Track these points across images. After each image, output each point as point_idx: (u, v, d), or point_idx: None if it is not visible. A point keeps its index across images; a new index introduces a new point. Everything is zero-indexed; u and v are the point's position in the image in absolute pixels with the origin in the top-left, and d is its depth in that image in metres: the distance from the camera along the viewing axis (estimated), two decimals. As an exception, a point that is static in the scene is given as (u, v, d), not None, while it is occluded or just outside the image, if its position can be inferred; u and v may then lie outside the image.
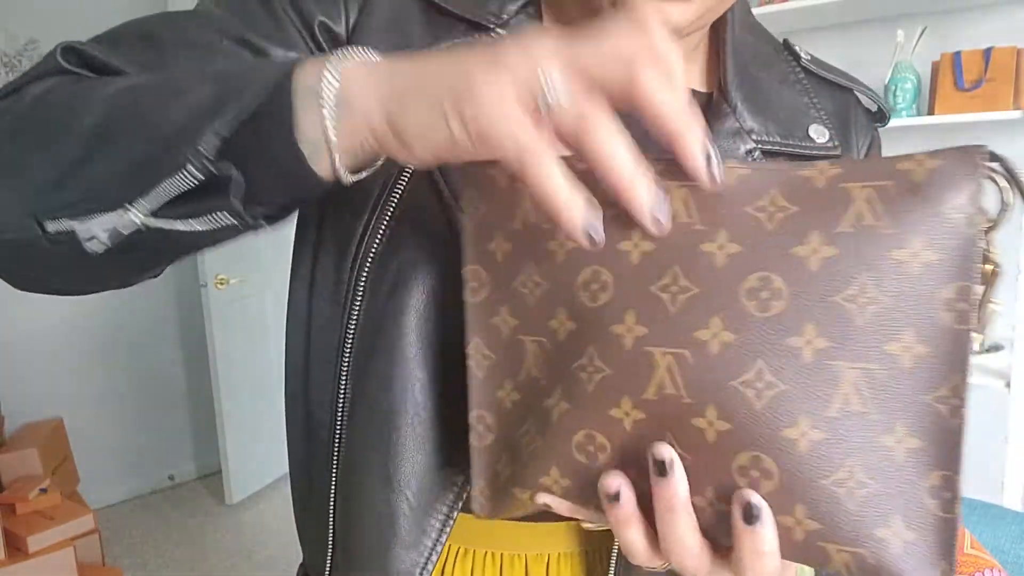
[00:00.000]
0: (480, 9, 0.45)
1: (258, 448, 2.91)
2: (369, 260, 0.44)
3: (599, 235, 0.29)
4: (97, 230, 0.33)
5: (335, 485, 0.47)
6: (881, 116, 0.56)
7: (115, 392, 2.95)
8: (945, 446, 0.28)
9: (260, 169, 0.32)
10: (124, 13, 2.40)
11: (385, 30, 0.45)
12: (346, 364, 0.45)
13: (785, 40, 0.55)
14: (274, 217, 0.35)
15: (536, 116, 0.28)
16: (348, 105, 0.30)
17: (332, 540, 0.48)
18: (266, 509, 2.85)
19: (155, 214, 0.32)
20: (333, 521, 0.48)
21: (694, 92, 0.50)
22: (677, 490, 0.31)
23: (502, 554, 0.48)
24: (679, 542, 0.32)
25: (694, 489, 0.32)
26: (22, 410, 2.68)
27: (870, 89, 0.55)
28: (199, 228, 0.32)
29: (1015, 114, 1.41)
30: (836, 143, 0.50)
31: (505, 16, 0.45)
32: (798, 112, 0.50)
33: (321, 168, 0.32)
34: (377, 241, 0.44)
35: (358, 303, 0.44)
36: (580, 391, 0.33)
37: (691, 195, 0.31)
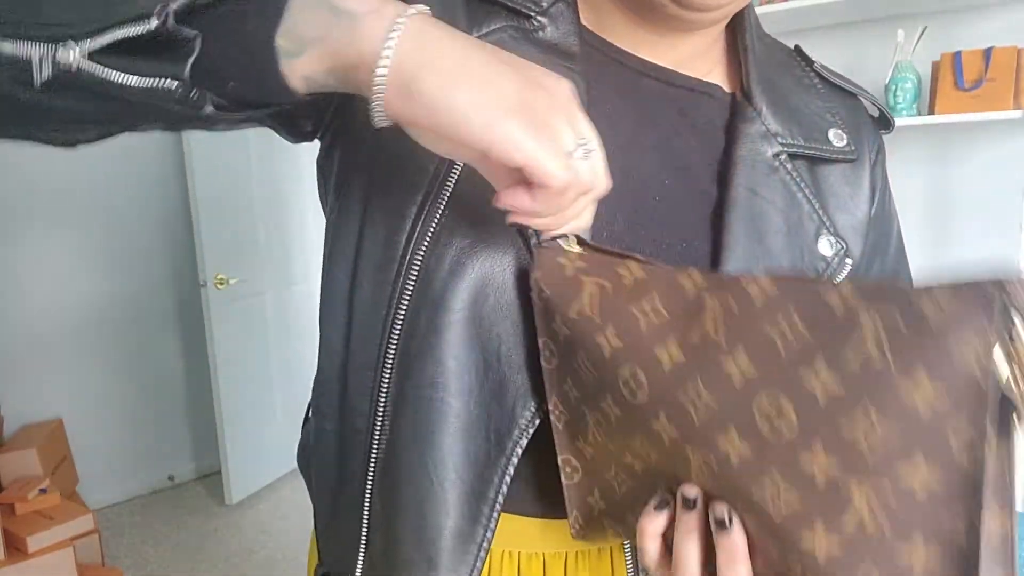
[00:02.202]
0: None
1: (258, 448, 2.91)
2: (427, 239, 0.42)
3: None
4: (34, 57, 0.30)
5: (372, 480, 0.46)
6: (885, 123, 0.56)
7: (115, 392, 2.95)
8: (966, 563, 0.28)
9: (221, 47, 0.32)
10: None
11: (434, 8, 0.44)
12: (393, 347, 0.44)
13: (796, 46, 0.55)
14: (222, 108, 0.33)
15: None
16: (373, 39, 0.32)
17: (365, 538, 0.47)
18: (266, 509, 2.85)
19: (95, 58, 0.30)
20: (368, 518, 0.46)
21: (719, 89, 0.50)
22: (736, 542, 0.33)
23: (519, 552, 0.48)
24: None
25: (753, 555, 0.34)
26: (22, 411, 2.68)
27: (873, 96, 0.55)
28: (136, 85, 0.31)
29: (1015, 114, 1.41)
30: (852, 147, 0.50)
31: (545, 4, 0.45)
32: (816, 116, 0.50)
33: (291, 72, 0.32)
34: (436, 220, 0.42)
35: (411, 283, 0.43)
36: (649, 458, 0.37)
37: (721, 312, 0.33)
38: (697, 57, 0.49)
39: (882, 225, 0.54)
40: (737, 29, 0.51)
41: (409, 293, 0.43)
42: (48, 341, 2.78)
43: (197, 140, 2.67)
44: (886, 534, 0.29)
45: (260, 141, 2.79)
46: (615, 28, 0.48)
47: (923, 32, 1.58)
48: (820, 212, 0.48)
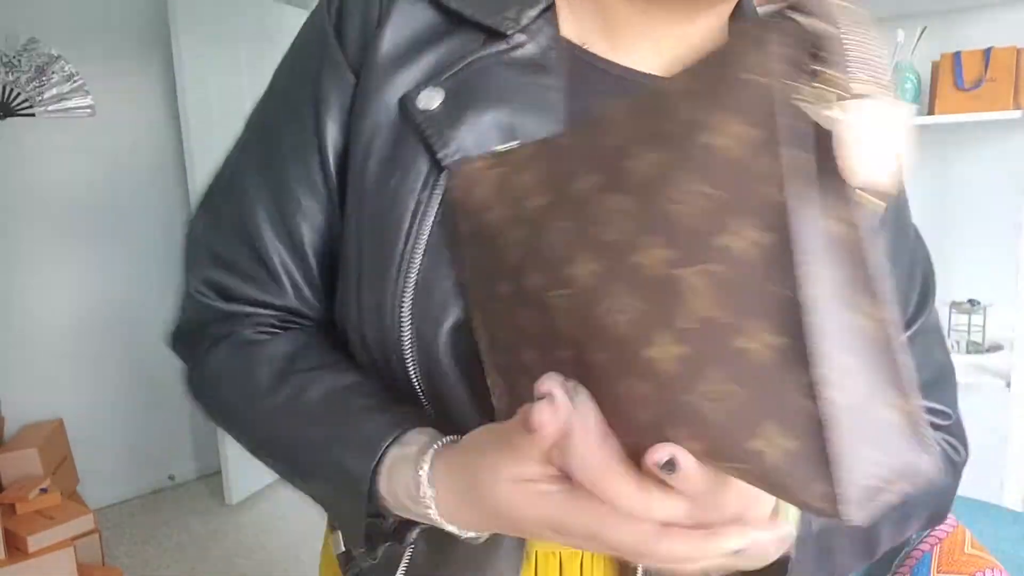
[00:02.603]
0: (498, 16, 0.45)
1: (258, 448, 2.91)
2: (412, 286, 0.43)
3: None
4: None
5: None
6: None
7: (115, 392, 2.95)
8: (809, 340, 0.25)
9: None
10: (124, 14, 2.40)
11: (407, 49, 0.45)
12: (417, 387, 0.45)
13: None
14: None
15: None
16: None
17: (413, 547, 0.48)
18: (266, 509, 2.85)
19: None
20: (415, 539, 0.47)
21: None
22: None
23: (536, 551, 0.48)
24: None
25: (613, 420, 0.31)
26: (22, 411, 2.68)
27: None
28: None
29: (1015, 114, 1.41)
30: None
31: (524, 21, 0.45)
32: None
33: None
34: (415, 269, 0.43)
35: (407, 332, 0.43)
36: (539, 340, 0.35)
37: (586, 152, 0.32)
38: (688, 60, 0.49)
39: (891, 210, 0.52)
40: (740, 20, 0.51)
41: (410, 352, 0.44)
42: (49, 341, 2.78)
43: (197, 141, 2.67)
44: (723, 323, 0.26)
45: (260, 141, 2.80)
46: (615, 28, 0.48)
47: (923, 32, 1.58)
48: None
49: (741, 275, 0.26)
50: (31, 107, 2.69)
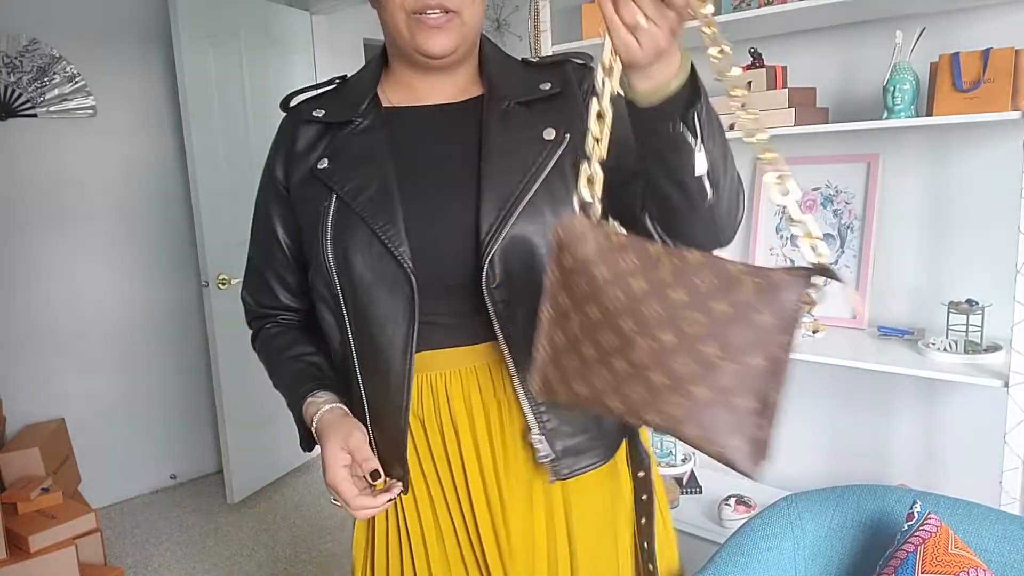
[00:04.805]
0: (346, 113, 0.86)
1: (259, 447, 2.92)
2: (329, 241, 0.83)
3: None
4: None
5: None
6: (587, 63, 0.90)
7: (117, 392, 2.96)
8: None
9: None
10: (126, 15, 2.40)
11: (309, 147, 0.87)
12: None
13: (524, 58, 0.92)
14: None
15: None
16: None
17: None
18: (267, 508, 2.85)
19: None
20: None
21: (471, 101, 0.87)
22: None
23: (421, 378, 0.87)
24: None
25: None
26: (24, 410, 2.70)
27: (578, 53, 0.90)
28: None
29: (1013, 115, 1.41)
30: (558, 89, 0.84)
31: (360, 110, 0.86)
32: (530, 82, 0.86)
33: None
34: (328, 235, 0.83)
35: (332, 266, 0.84)
36: (602, 346, 0.60)
37: (670, 264, 0.56)
38: (466, 86, 0.88)
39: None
40: (480, 57, 0.89)
41: (335, 272, 0.84)
42: (50, 341, 2.79)
43: (199, 140, 2.67)
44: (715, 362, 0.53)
45: (261, 140, 2.79)
46: (412, 89, 0.87)
47: (921, 33, 1.58)
48: (542, 119, 0.82)
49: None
50: (33, 108, 2.69)
